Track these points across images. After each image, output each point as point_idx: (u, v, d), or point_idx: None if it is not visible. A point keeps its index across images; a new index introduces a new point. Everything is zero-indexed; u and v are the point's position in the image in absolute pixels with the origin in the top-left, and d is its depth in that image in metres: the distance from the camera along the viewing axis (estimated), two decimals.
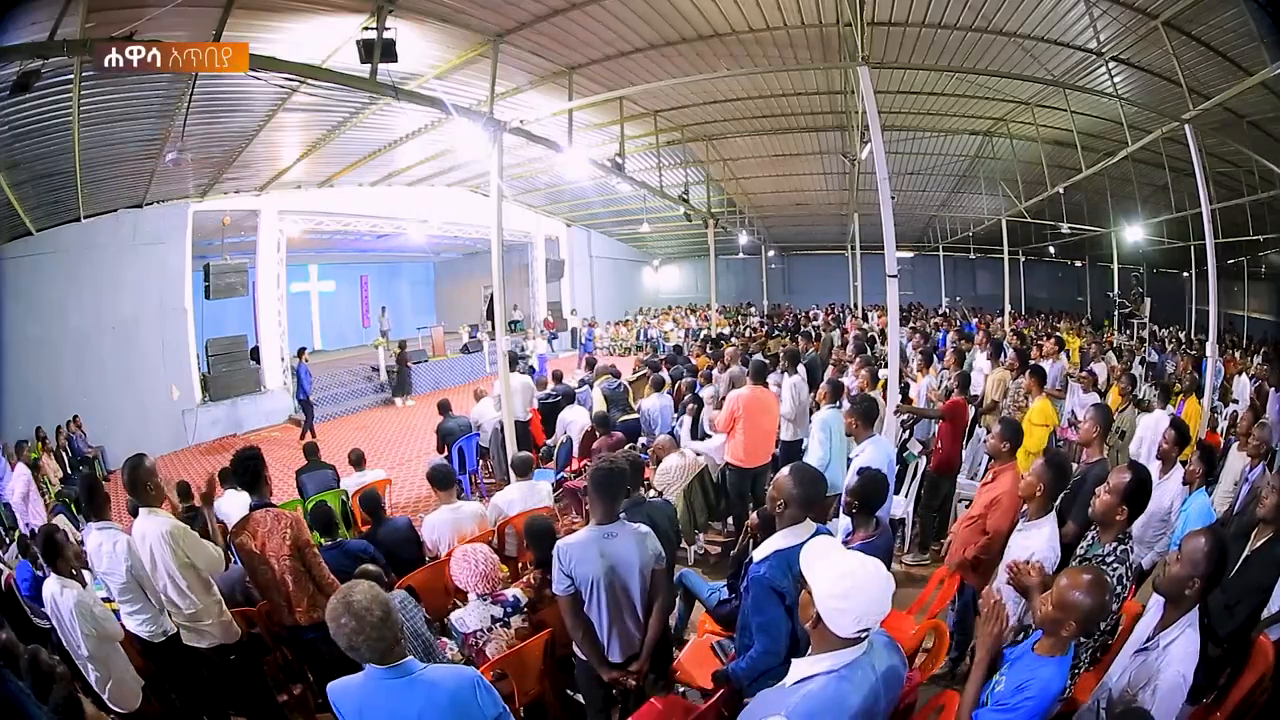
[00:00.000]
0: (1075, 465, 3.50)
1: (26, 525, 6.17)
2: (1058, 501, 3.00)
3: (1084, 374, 6.98)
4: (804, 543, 2.27)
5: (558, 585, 2.47)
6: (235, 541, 3.04)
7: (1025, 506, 2.90)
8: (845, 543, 2.91)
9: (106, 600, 3.27)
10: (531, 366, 9.75)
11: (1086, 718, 2.09)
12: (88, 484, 3.26)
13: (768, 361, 5.86)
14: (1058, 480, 2.81)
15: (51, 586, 2.95)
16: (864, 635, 1.55)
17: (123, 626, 3.05)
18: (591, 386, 7.72)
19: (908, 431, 6.40)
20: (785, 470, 2.32)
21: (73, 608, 2.86)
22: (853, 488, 2.91)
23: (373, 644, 1.69)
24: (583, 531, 2.52)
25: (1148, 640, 2.05)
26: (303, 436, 9.92)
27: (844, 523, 3.02)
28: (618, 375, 7.72)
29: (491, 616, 2.89)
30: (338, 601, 1.72)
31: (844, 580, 1.52)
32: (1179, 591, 2.01)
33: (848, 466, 3.88)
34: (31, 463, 8.04)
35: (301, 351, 11.18)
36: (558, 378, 8.51)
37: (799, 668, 1.62)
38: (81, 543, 3.25)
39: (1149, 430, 4.90)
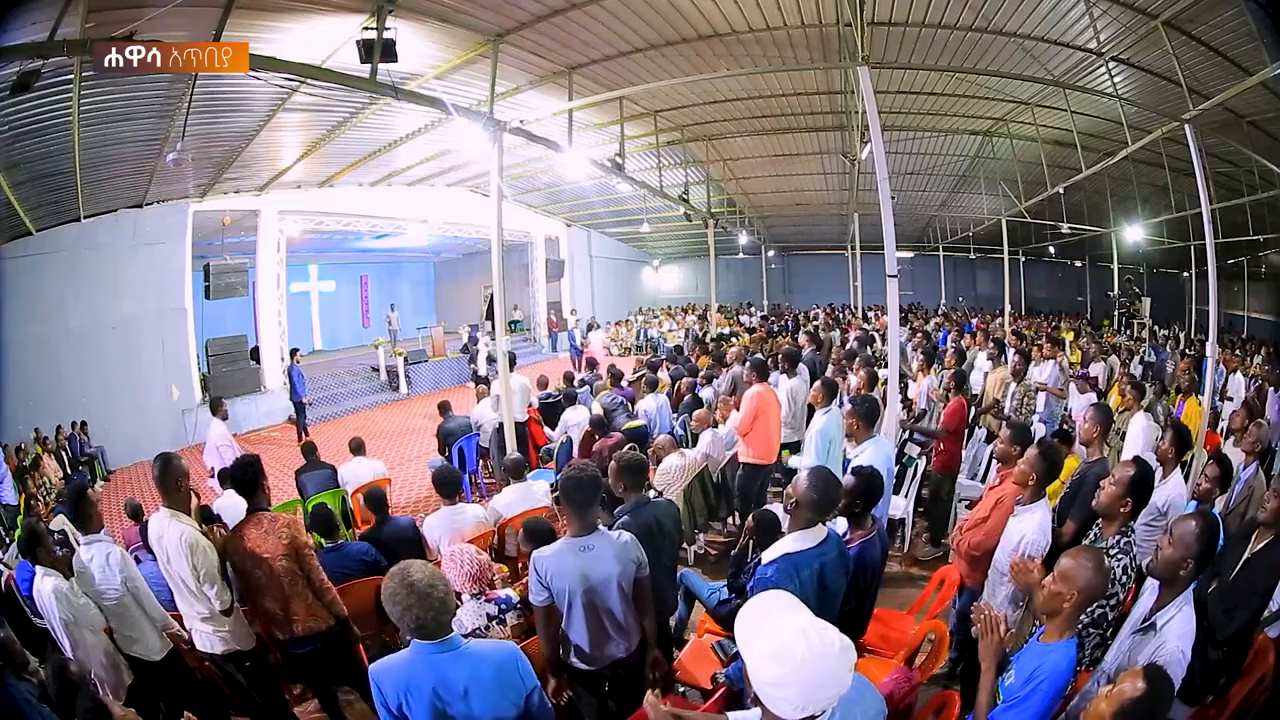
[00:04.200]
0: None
1: (212, 470, 6.13)
2: (1057, 503, 3.01)
3: (1081, 378, 6.97)
4: (815, 547, 2.29)
5: (534, 596, 2.41)
6: (230, 546, 2.92)
7: (1020, 495, 2.99)
8: (844, 542, 2.91)
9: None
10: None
11: (1086, 698, 2.10)
12: (75, 494, 3.05)
13: (767, 361, 5.85)
14: (1049, 470, 2.96)
15: (38, 581, 2.92)
16: (815, 718, 1.29)
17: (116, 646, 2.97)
18: (593, 388, 7.69)
19: (906, 433, 6.40)
20: (804, 472, 2.33)
21: (51, 592, 2.83)
22: (851, 487, 2.88)
23: (432, 618, 1.77)
24: (559, 544, 2.43)
25: (1144, 622, 2.10)
26: (299, 437, 9.92)
27: (841, 523, 3.01)
28: (619, 383, 7.24)
29: (487, 614, 2.90)
30: (397, 580, 1.78)
31: (780, 662, 1.23)
32: (1173, 573, 2.07)
33: (844, 472, 3.88)
34: (35, 462, 8.07)
35: (294, 353, 11.12)
36: (569, 379, 8.47)
37: None
38: (79, 544, 3.19)
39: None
